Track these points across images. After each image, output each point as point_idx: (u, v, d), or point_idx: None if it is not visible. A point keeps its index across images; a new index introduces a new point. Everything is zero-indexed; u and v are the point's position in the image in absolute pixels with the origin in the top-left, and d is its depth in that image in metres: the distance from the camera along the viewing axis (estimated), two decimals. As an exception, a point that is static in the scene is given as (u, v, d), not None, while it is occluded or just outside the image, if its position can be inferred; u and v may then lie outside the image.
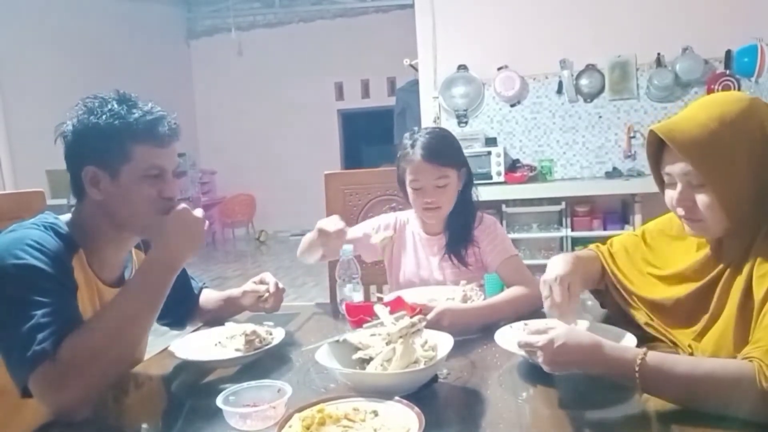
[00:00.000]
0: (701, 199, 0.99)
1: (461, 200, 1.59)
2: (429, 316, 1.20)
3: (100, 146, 1.09)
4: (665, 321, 1.13)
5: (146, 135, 1.10)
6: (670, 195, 1.04)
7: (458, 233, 1.59)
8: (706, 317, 1.04)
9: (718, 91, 3.83)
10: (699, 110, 1.00)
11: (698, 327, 1.06)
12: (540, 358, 0.92)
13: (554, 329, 0.93)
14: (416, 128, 1.64)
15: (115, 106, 1.10)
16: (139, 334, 1.06)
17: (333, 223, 1.48)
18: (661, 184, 1.08)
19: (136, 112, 1.10)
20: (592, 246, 1.35)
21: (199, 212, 1.15)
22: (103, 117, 1.08)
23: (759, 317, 0.90)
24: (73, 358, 0.94)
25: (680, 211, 1.04)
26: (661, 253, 1.20)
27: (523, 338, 0.96)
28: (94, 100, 1.11)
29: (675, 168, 1.00)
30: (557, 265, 1.16)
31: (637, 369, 0.86)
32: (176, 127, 1.16)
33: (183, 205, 1.14)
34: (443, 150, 1.54)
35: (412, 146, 1.55)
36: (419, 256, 1.66)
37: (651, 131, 1.02)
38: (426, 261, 1.65)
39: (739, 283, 0.97)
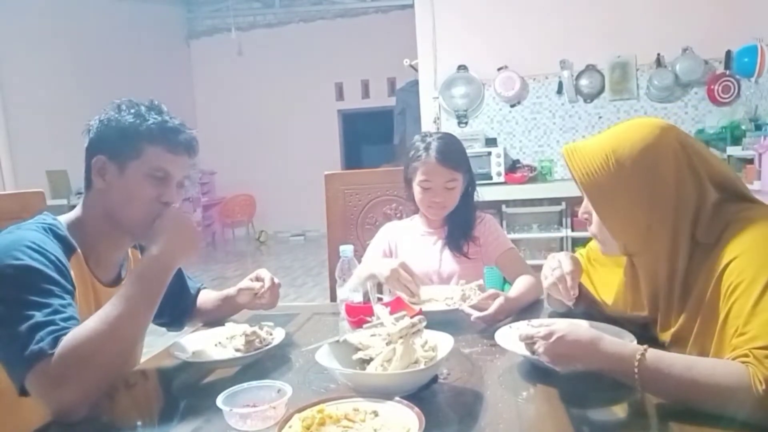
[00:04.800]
0: (594, 215, 1.06)
1: (463, 201, 1.69)
2: (491, 310, 1.29)
3: (116, 139, 1.14)
4: None
5: (160, 138, 1.15)
6: None
7: (458, 228, 1.70)
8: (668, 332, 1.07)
9: (717, 91, 3.84)
10: (603, 137, 1.05)
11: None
12: (540, 349, 0.93)
13: (556, 323, 0.95)
14: (428, 131, 1.75)
15: (142, 109, 1.16)
16: (135, 334, 1.06)
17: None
18: None
19: (158, 117, 1.16)
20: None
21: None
22: (128, 116, 1.15)
23: (724, 315, 0.92)
24: (70, 358, 0.94)
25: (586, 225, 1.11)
26: (600, 272, 1.26)
27: (524, 331, 0.98)
28: (125, 102, 1.18)
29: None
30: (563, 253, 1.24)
31: (636, 366, 0.86)
32: (194, 142, 1.21)
33: (176, 206, 1.17)
34: (455, 155, 1.64)
35: (426, 149, 1.64)
36: (419, 253, 1.72)
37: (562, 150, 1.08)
38: (426, 256, 1.71)
39: (676, 296, 1.02)
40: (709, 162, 1.01)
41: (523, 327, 1.01)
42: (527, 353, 1.03)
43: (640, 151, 0.99)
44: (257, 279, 1.46)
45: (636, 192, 0.99)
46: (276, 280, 1.46)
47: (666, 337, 1.07)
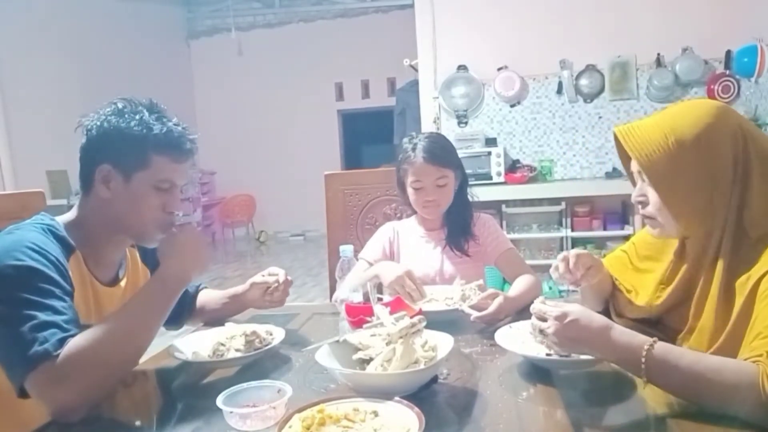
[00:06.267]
0: (651, 196, 1.05)
1: (458, 198, 1.70)
2: (491, 309, 1.30)
3: (122, 148, 1.12)
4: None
5: (167, 148, 1.15)
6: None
7: (457, 226, 1.70)
8: (688, 324, 1.06)
9: (717, 91, 3.84)
10: (660, 117, 1.04)
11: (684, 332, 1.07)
12: (550, 329, 0.92)
13: (570, 305, 0.93)
14: (414, 132, 1.78)
15: (146, 114, 1.14)
16: (142, 343, 1.07)
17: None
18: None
19: (164, 125, 1.15)
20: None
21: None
22: (132, 122, 1.12)
23: (752, 320, 0.90)
24: (76, 360, 0.94)
25: (638, 207, 1.09)
26: (649, 266, 1.23)
27: (538, 306, 0.96)
28: (126, 104, 1.16)
29: (633, 165, 1.06)
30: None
31: (643, 357, 0.86)
32: (195, 146, 1.21)
33: (191, 224, 1.20)
34: (442, 152, 1.65)
35: (413, 149, 1.66)
36: (420, 254, 1.72)
37: (614, 132, 1.08)
38: (428, 258, 1.71)
39: (715, 287, 0.99)
40: (765, 147, 0.99)
41: (537, 304, 0.98)
42: (527, 353, 1.02)
43: (700, 130, 0.98)
44: (270, 275, 1.47)
45: (697, 171, 0.98)
46: (289, 277, 1.47)
47: (694, 324, 1.05)
